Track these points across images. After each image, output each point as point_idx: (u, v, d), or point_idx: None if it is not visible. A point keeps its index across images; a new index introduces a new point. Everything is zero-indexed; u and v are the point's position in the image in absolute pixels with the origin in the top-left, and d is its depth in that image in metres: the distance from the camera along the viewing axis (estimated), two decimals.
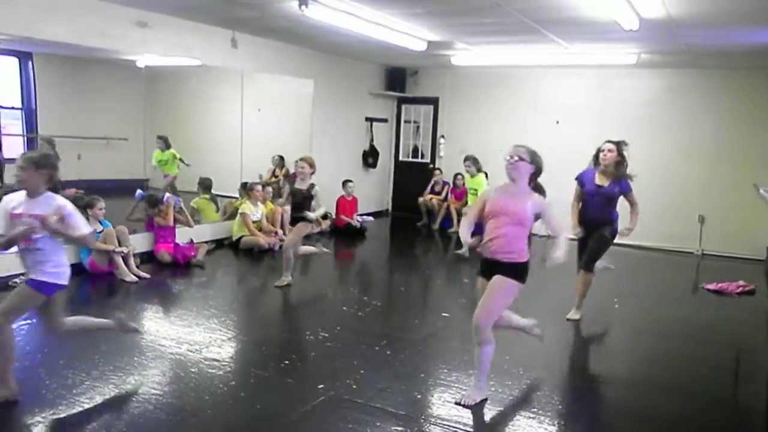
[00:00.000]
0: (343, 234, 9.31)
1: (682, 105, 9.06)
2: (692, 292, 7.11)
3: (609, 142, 5.32)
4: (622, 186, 5.24)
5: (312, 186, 6.05)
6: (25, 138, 7.97)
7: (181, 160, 8.39)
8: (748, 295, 6.63)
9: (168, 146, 8.33)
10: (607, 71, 9.26)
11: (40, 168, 3.34)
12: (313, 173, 6.16)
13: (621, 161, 5.21)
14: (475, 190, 7.95)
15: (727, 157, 8.83)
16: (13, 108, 7.80)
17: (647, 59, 8.07)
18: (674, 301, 6.50)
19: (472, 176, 8.11)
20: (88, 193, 6.51)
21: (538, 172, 3.73)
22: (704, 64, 8.47)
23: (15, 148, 7.84)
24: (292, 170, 9.67)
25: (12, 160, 7.46)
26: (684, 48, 7.13)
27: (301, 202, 6.05)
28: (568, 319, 5.34)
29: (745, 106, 8.69)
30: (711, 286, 6.80)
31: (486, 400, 3.66)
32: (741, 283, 6.80)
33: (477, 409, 3.60)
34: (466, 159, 8.10)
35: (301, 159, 6.22)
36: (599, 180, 5.29)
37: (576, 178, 5.49)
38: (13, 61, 7.73)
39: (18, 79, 7.84)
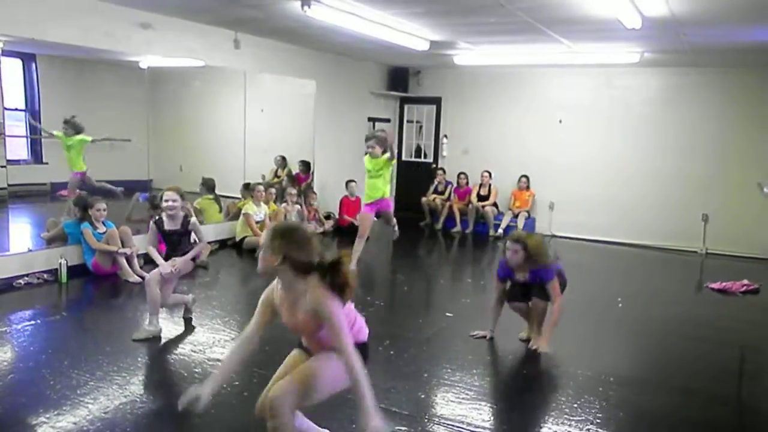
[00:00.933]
0: (346, 234, 9.29)
1: (686, 103, 9.05)
2: (696, 292, 7.10)
3: (512, 241, 4.49)
4: (540, 275, 4.43)
5: (187, 219, 4.76)
6: (29, 139, 7.99)
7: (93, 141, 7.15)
8: (753, 294, 6.61)
9: (78, 131, 7.06)
10: (610, 70, 9.25)
11: None
12: (183, 205, 4.77)
13: (530, 257, 4.41)
14: (372, 170, 6.67)
15: (731, 156, 8.81)
16: (16, 109, 7.81)
17: (650, 58, 8.06)
18: (678, 301, 6.49)
19: (373, 157, 6.61)
20: (91, 195, 6.53)
21: (293, 259, 2.47)
22: (707, 63, 8.45)
23: (18, 149, 7.86)
24: (295, 171, 9.73)
25: (16, 162, 7.51)
26: (687, 46, 7.11)
27: (179, 241, 4.75)
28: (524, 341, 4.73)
29: (749, 104, 8.68)
30: (715, 286, 6.78)
31: None
32: (745, 282, 6.78)
33: (481, 408, 3.60)
34: (370, 138, 6.66)
35: (168, 190, 4.69)
36: (518, 273, 4.56)
37: (497, 275, 4.70)
38: (17, 63, 7.74)
39: (21, 81, 7.86)
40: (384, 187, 6.70)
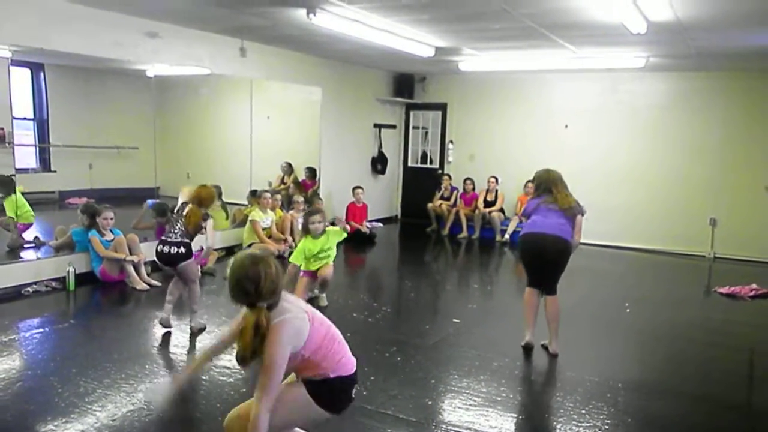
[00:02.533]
0: (353, 240, 9.28)
1: (692, 108, 9.02)
2: (705, 296, 7.05)
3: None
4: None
5: None
6: (37, 148, 8.05)
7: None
8: (762, 299, 6.56)
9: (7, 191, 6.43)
10: (615, 75, 9.23)
11: None
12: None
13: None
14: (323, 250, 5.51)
15: (738, 160, 8.77)
16: (25, 119, 7.88)
17: (656, 62, 8.04)
18: (687, 305, 6.45)
19: (315, 237, 5.50)
20: (100, 203, 6.57)
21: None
22: (714, 67, 8.43)
23: (27, 158, 7.93)
24: (301, 177, 9.75)
25: (25, 170, 7.57)
26: (693, 51, 7.10)
27: None
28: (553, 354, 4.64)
29: (755, 108, 8.64)
30: (724, 290, 6.74)
31: None
32: (754, 286, 6.74)
33: (489, 414, 3.59)
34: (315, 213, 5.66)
35: None
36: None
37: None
38: (26, 72, 7.82)
39: (30, 90, 7.93)
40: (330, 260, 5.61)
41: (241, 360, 2.46)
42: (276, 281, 2.46)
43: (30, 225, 6.81)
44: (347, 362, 2.66)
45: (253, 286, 2.41)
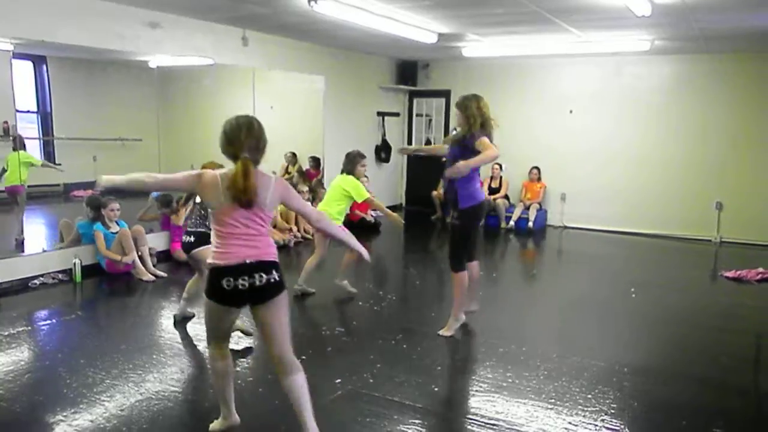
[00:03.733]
0: (357, 229, 9.29)
1: (697, 90, 8.95)
2: (711, 280, 7.03)
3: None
4: (465, 143, 4.49)
5: None
6: (41, 141, 8.06)
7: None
8: None
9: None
10: (620, 59, 9.17)
11: None
12: None
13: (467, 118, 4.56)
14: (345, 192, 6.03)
15: (744, 143, 8.71)
16: (28, 111, 7.88)
17: (661, 45, 7.98)
18: (693, 289, 6.44)
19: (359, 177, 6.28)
20: (104, 194, 6.58)
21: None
22: (719, 49, 8.35)
23: (31, 151, 7.92)
24: (305, 167, 9.74)
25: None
26: (698, 33, 7.04)
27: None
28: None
29: (761, 90, 8.57)
30: (730, 274, 6.72)
31: None
32: (761, 270, 6.71)
33: (495, 400, 3.60)
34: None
35: None
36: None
37: None
38: (28, 65, 7.80)
39: (33, 83, 7.92)
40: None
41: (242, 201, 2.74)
42: (258, 138, 2.85)
43: (17, 187, 6.48)
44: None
45: (237, 138, 2.80)
